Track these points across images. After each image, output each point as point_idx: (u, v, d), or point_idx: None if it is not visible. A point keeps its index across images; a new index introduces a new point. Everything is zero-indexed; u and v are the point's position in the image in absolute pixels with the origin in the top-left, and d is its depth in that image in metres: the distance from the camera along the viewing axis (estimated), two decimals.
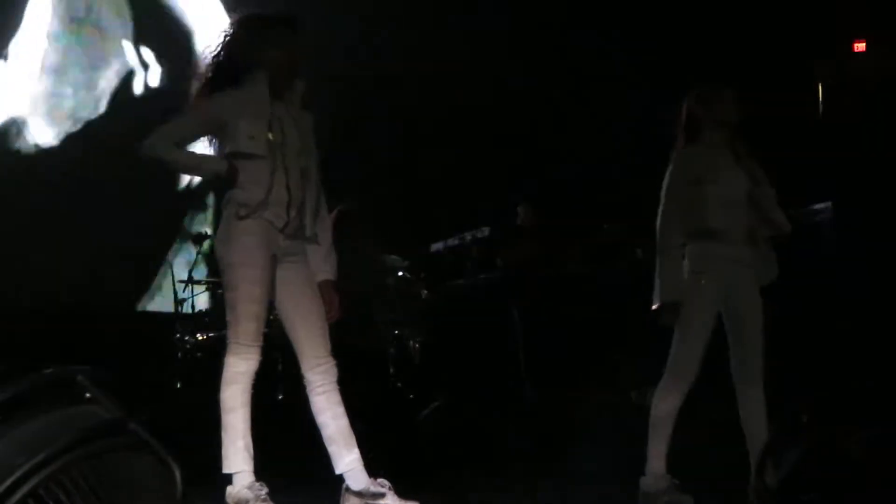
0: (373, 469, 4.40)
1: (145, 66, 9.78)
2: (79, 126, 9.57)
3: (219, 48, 4.42)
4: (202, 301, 8.78)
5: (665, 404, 4.80)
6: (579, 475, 5.42)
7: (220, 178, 4.36)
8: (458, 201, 9.24)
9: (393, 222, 8.85)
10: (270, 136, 4.30)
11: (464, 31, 9.42)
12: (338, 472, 4.37)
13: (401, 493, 4.37)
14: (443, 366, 8.13)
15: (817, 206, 7.16)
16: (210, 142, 4.49)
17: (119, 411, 2.37)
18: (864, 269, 6.88)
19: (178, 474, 2.31)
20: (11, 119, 9.26)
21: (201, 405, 6.82)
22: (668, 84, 5.40)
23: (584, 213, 8.86)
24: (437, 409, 6.52)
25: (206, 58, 4.47)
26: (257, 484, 4.20)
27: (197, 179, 8.95)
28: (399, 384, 7.97)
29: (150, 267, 9.80)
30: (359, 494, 4.33)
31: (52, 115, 9.43)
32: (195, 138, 4.48)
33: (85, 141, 9.48)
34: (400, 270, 8.49)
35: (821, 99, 8.24)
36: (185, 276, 8.42)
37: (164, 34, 9.95)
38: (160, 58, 9.92)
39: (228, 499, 4.19)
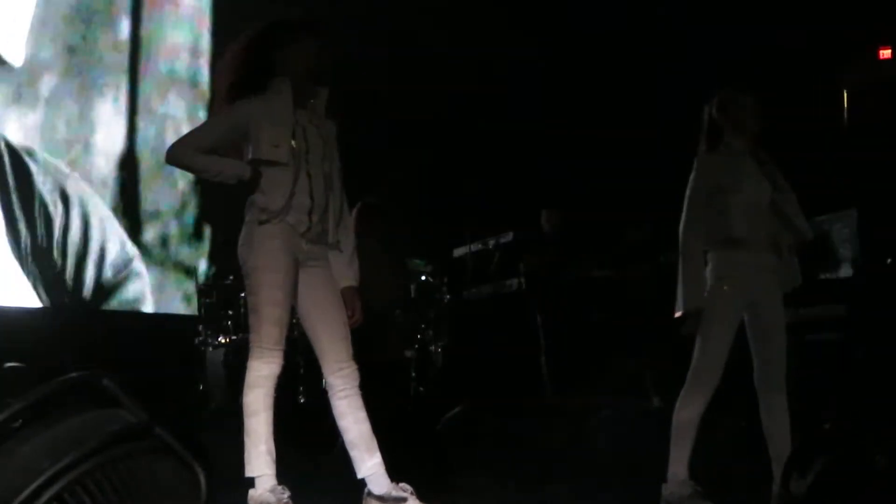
0: (395, 473, 4.40)
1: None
2: None
3: (242, 54, 4.44)
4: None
5: (687, 410, 4.79)
6: (601, 481, 5.41)
7: (244, 183, 4.39)
8: (483, 206, 9.23)
9: (417, 227, 8.86)
10: (293, 143, 4.32)
11: (500, 36, 9.43)
12: (359, 476, 4.37)
13: (422, 498, 4.37)
14: (465, 371, 8.13)
15: (841, 214, 7.12)
16: (235, 148, 4.51)
17: (144, 415, 2.38)
18: (888, 277, 6.84)
19: (202, 478, 2.32)
20: None
21: (224, 409, 6.88)
22: (692, 90, 5.37)
23: (607, 218, 8.85)
24: (460, 414, 6.52)
25: (229, 64, 4.48)
26: (279, 487, 4.20)
27: None
28: (421, 389, 7.98)
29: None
30: (381, 499, 4.33)
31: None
32: (219, 144, 4.49)
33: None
34: (423, 275, 8.50)
35: (845, 106, 8.20)
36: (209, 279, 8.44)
37: None
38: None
39: (251, 502, 4.19)
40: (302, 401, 7.24)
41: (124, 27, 9.64)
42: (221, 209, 8.79)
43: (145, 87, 9.73)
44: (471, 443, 6.15)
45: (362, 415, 4.39)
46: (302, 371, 7.15)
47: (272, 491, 4.18)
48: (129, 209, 9.56)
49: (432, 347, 8.19)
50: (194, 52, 10.09)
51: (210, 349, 7.85)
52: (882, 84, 8.19)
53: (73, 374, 2.41)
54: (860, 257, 6.96)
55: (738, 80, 5.10)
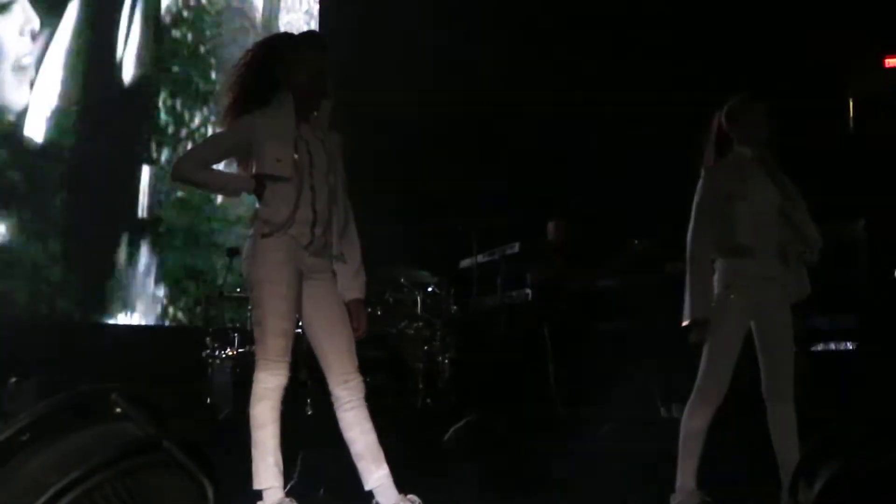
0: (402, 485, 4.40)
1: None
2: None
3: (244, 70, 4.46)
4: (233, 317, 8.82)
5: (695, 420, 4.78)
6: (609, 492, 5.39)
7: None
8: (488, 217, 9.23)
9: (423, 238, 8.86)
10: (296, 157, 4.34)
11: (500, 46, 9.44)
12: (367, 488, 4.37)
13: None
14: (473, 382, 8.12)
15: (849, 223, 7.12)
16: (239, 162, 4.54)
17: (152, 429, 2.37)
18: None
19: (210, 492, 2.31)
20: None
21: (232, 421, 6.87)
22: (699, 98, 5.37)
23: (613, 228, 8.84)
24: (467, 425, 6.51)
25: (232, 77, 4.51)
26: (287, 500, 4.22)
27: None
28: (428, 400, 7.97)
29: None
30: None
31: None
32: (223, 159, 4.58)
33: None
34: (429, 286, 8.50)
35: (852, 114, 8.20)
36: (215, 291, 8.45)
37: None
38: None
39: None
40: (309, 412, 7.24)
41: None
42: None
43: None
44: (478, 454, 6.14)
45: (368, 426, 4.39)
46: (308, 383, 7.15)
47: (280, 503, 4.18)
48: None
49: (440, 358, 8.19)
50: None
51: (217, 362, 7.86)
52: (888, 92, 8.19)
53: (81, 388, 2.41)
54: (868, 267, 6.96)
55: (746, 88, 5.09)
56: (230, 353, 7.82)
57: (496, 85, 9.80)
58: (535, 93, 9.70)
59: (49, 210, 9.03)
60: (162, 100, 9.79)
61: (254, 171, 4.40)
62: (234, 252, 8.32)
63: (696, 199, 4.87)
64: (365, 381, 4.46)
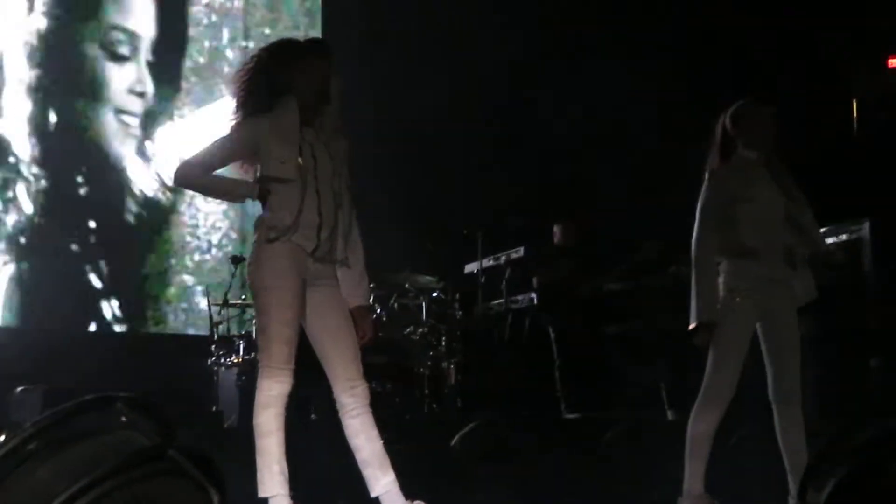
0: (409, 491, 4.39)
1: None
2: None
3: (249, 75, 4.45)
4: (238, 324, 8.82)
5: (702, 424, 4.77)
6: (617, 496, 5.39)
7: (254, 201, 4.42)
8: (493, 221, 9.23)
9: (427, 243, 8.85)
10: (300, 160, 4.33)
11: (504, 49, 9.44)
12: (374, 494, 4.35)
13: None
14: (479, 387, 8.11)
15: (853, 225, 7.10)
16: (243, 166, 4.52)
17: (158, 437, 2.37)
18: None
19: (216, 500, 2.31)
20: None
21: (237, 429, 6.86)
22: (703, 102, 5.37)
23: (620, 231, 8.84)
24: (474, 431, 6.50)
25: (237, 82, 4.50)
26: None
27: None
28: (434, 405, 7.96)
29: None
30: None
31: None
32: (226, 164, 4.52)
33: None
34: (434, 291, 8.49)
35: (855, 115, 8.19)
36: (220, 299, 8.43)
37: None
38: None
39: None
40: (313, 417, 7.23)
41: None
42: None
43: None
44: (485, 459, 6.12)
45: (374, 433, 4.37)
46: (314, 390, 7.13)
47: None
48: None
49: (445, 364, 8.18)
50: None
51: (223, 369, 7.85)
52: (891, 93, 8.19)
53: (87, 397, 2.41)
54: (873, 267, 6.94)
55: (750, 91, 5.09)
56: (235, 361, 7.81)
57: (501, 87, 9.79)
58: (540, 93, 9.69)
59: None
60: None
61: (257, 175, 4.39)
62: (237, 260, 8.34)
63: (700, 202, 4.86)
64: (370, 388, 4.45)
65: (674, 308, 5.25)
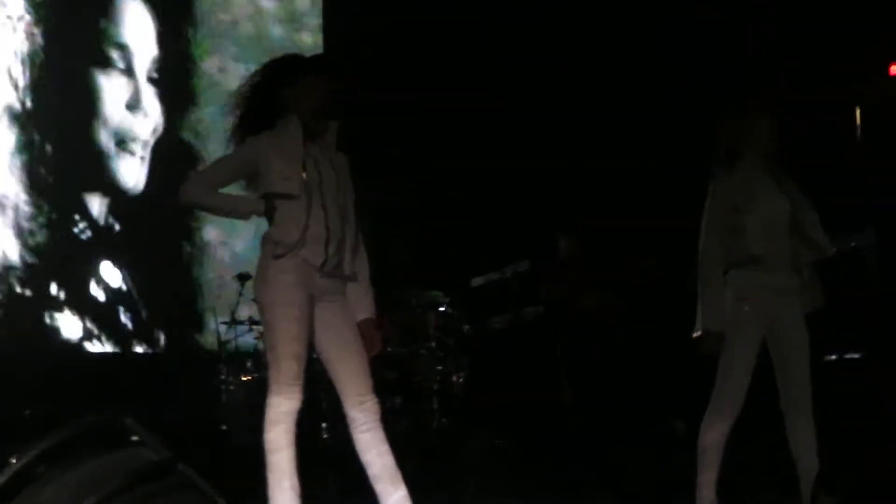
0: None
1: None
2: None
3: (250, 92, 4.45)
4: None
5: (712, 433, 4.75)
6: None
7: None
8: (499, 235, 9.22)
9: (434, 258, 8.85)
10: (304, 175, 4.32)
11: (514, 57, 9.44)
12: None
13: None
14: (487, 401, 8.10)
15: (859, 232, 7.09)
16: (248, 184, 4.52)
17: (167, 452, 2.37)
18: None
19: None
20: None
21: (247, 447, 6.86)
22: (706, 109, 5.36)
23: (626, 243, 8.83)
24: (483, 444, 6.50)
25: (239, 99, 4.50)
26: None
27: None
28: (443, 419, 7.95)
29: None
30: None
31: None
32: (231, 182, 4.52)
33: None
34: (441, 306, 8.49)
35: (858, 122, 8.19)
36: (227, 317, 8.44)
37: None
38: None
39: None
40: (325, 436, 7.23)
41: None
42: None
43: None
44: (495, 472, 6.13)
45: (385, 447, 4.35)
46: (324, 406, 7.13)
47: None
48: None
49: (453, 378, 8.17)
50: None
51: (231, 387, 7.85)
52: (894, 99, 8.18)
53: (94, 416, 2.41)
54: (880, 274, 6.93)
55: (753, 98, 5.08)
56: (244, 379, 7.81)
57: (504, 97, 9.78)
58: (544, 105, 9.68)
59: None
60: None
61: (261, 192, 4.38)
62: (244, 277, 8.33)
63: (705, 211, 4.85)
64: (380, 403, 4.44)
65: (680, 319, 5.22)
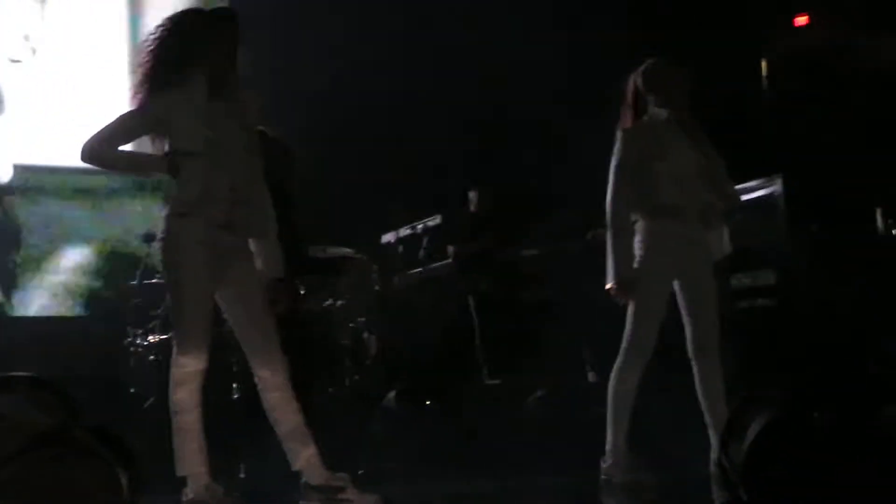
0: (331, 463, 4.35)
1: None
2: None
3: (156, 45, 4.34)
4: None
5: (623, 383, 4.79)
6: (541, 459, 5.40)
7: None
8: (410, 189, 9.17)
9: (344, 214, 8.77)
10: (209, 133, 4.24)
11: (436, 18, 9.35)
12: (295, 468, 4.33)
13: (360, 486, 4.33)
14: (400, 357, 8.08)
15: (765, 182, 7.15)
16: (152, 140, 4.41)
17: (64, 417, 2.30)
18: (814, 244, 6.90)
19: (124, 480, 2.24)
20: None
21: (154, 409, 6.76)
22: (614, 63, 5.34)
23: (535, 197, 8.83)
24: (396, 401, 6.48)
25: (143, 54, 4.38)
26: (213, 484, 4.15)
27: None
28: (356, 377, 7.91)
29: None
30: (318, 489, 4.29)
31: None
32: (134, 138, 4.45)
33: None
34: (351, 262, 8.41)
35: (764, 73, 8.26)
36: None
37: None
38: None
39: (185, 501, 4.12)
40: (235, 396, 7.14)
41: None
42: None
43: None
44: (408, 429, 6.11)
45: (294, 406, 4.34)
46: (234, 367, 7.04)
47: (206, 488, 4.13)
48: None
49: (365, 335, 8.12)
50: None
51: (139, 350, 7.71)
52: (799, 51, 8.26)
53: None
54: (787, 223, 7.01)
55: (659, 49, 5.08)
56: (152, 341, 7.68)
57: (416, 55, 9.69)
58: (457, 60, 9.60)
59: None
60: None
61: (166, 149, 4.30)
62: (150, 237, 8.16)
63: (613, 160, 4.85)
64: (289, 362, 4.39)
65: (593, 271, 5.23)
